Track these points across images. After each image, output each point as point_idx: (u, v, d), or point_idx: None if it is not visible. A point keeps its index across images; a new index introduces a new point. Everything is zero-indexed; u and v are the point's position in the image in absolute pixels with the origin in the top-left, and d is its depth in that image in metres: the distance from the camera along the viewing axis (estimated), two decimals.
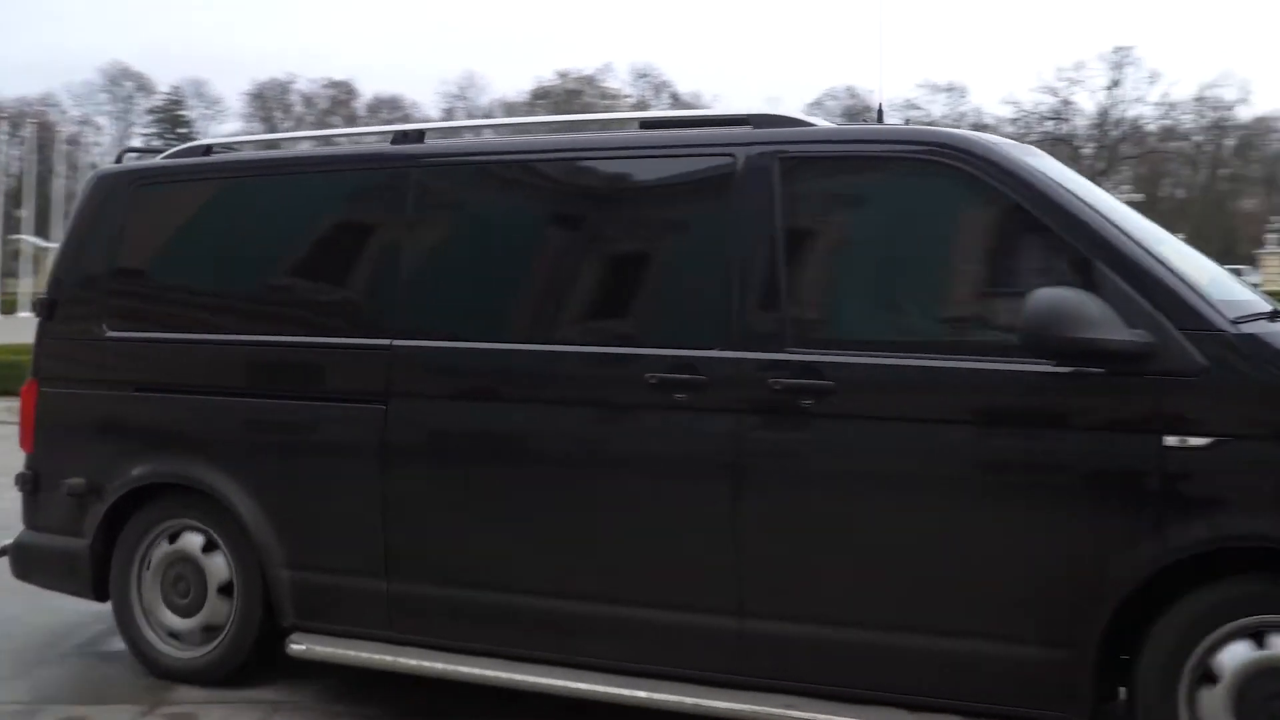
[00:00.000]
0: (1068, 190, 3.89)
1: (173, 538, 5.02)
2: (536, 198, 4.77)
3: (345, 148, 5.93)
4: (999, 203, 3.91)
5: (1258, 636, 3.52)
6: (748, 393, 4.01)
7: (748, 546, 4.01)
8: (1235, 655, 3.52)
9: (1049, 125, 70.67)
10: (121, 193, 5.27)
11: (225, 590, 4.94)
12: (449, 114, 70.65)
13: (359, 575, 4.63)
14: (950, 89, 72.69)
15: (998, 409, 3.82)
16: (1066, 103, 71.48)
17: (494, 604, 4.41)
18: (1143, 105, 71.57)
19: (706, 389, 4.05)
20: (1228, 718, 3.51)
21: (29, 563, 5.30)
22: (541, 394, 4.39)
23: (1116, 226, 3.80)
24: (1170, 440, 3.57)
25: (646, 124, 4.93)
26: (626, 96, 73.55)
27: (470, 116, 63.77)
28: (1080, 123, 72.09)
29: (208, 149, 5.40)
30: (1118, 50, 70.89)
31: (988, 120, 66.08)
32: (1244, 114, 72.43)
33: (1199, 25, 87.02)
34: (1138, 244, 3.76)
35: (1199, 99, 70.69)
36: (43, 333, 5.33)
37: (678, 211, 4.51)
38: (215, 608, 4.94)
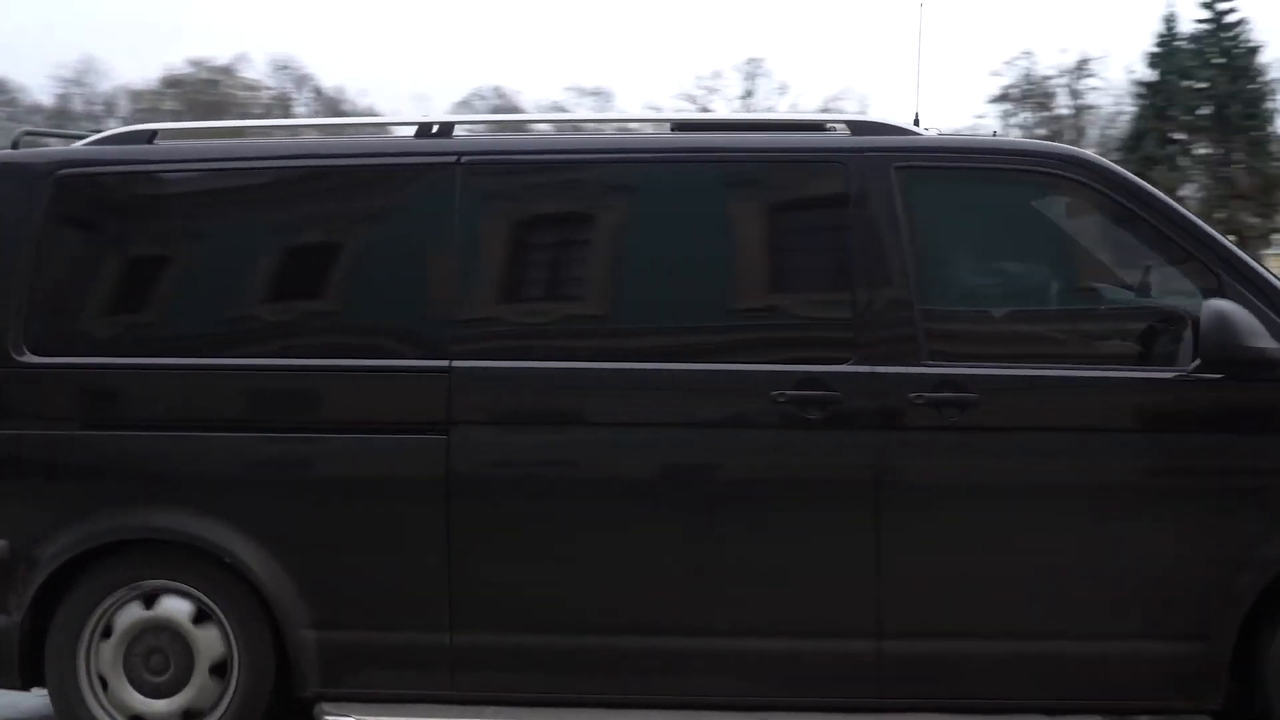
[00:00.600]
0: (1182, 207, 4.14)
1: (148, 601, 4.25)
2: (626, 202, 4.40)
3: (384, 139, 5.10)
4: (1124, 218, 4.09)
5: None
6: (885, 408, 3.95)
7: (887, 564, 3.95)
8: None
9: None
10: (39, 185, 4.35)
11: (218, 665, 4.23)
12: (63, 100, 64.96)
13: (413, 629, 4.17)
14: (597, 93, 75.05)
15: (1144, 415, 4.02)
16: (705, 110, 75.58)
17: (594, 647, 4.08)
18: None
19: (840, 405, 3.95)
20: None
21: None
22: (644, 416, 4.09)
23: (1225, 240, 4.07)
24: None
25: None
26: (267, 88, 70.62)
27: (89, 104, 58.84)
28: None
29: (151, 135, 4.65)
30: (750, 61, 75.79)
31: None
32: None
33: (823, 41, 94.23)
34: (1248, 257, 4.04)
35: (825, 110, 76.85)
36: None
37: (782, 220, 4.38)
38: (204, 685, 4.23)
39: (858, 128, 4.29)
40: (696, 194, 4.33)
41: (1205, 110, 69.42)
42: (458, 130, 4.41)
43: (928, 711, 3.97)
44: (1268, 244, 66.15)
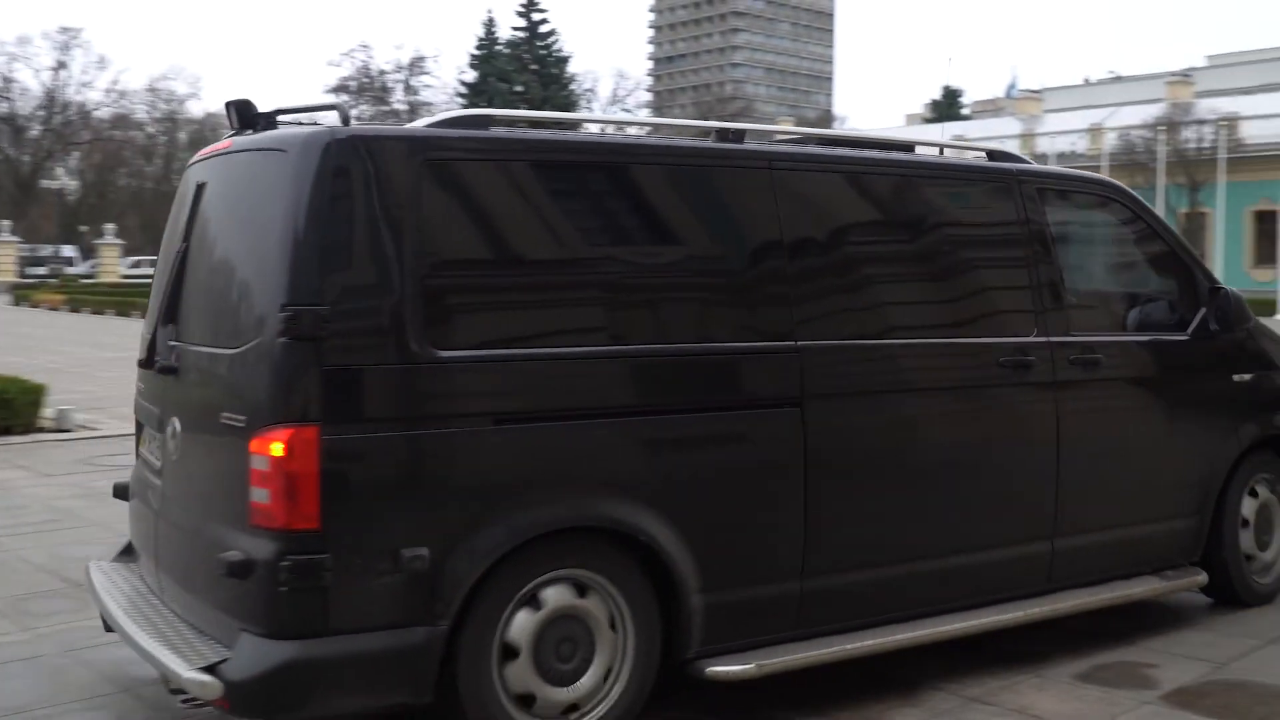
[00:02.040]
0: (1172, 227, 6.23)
1: (540, 594, 4.04)
2: (888, 207, 5.17)
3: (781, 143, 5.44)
4: (1145, 230, 5.94)
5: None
6: (1056, 367, 5.21)
7: (1063, 482, 5.22)
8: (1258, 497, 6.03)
9: None
10: (405, 168, 3.88)
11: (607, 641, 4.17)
12: None
13: (774, 582, 4.48)
14: None
15: (1176, 364, 5.78)
16: (9, 80, 69.13)
17: (895, 576, 4.78)
18: (93, 91, 71.88)
19: (1034, 367, 5.14)
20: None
21: (322, 684, 3.70)
22: (932, 382, 4.97)
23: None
24: (1235, 377, 5.94)
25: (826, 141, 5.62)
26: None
27: None
28: (26, 103, 70.19)
29: (487, 121, 4.26)
30: (65, 30, 70.27)
31: None
32: (195, 109, 76.54)
33: (148, 16, 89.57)
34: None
35: (151, 90, 73.03)
36: (305, 358, 3.67)
37: (981, 227, 5.42)
38: (602, 670, 4.13)
39: (994, 156, 5.68)
40: (938, 209, 5.31)
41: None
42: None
43: (1086, 587, 5.37)
44: None
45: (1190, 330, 5.72)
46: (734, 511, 4.37)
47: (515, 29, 76.14)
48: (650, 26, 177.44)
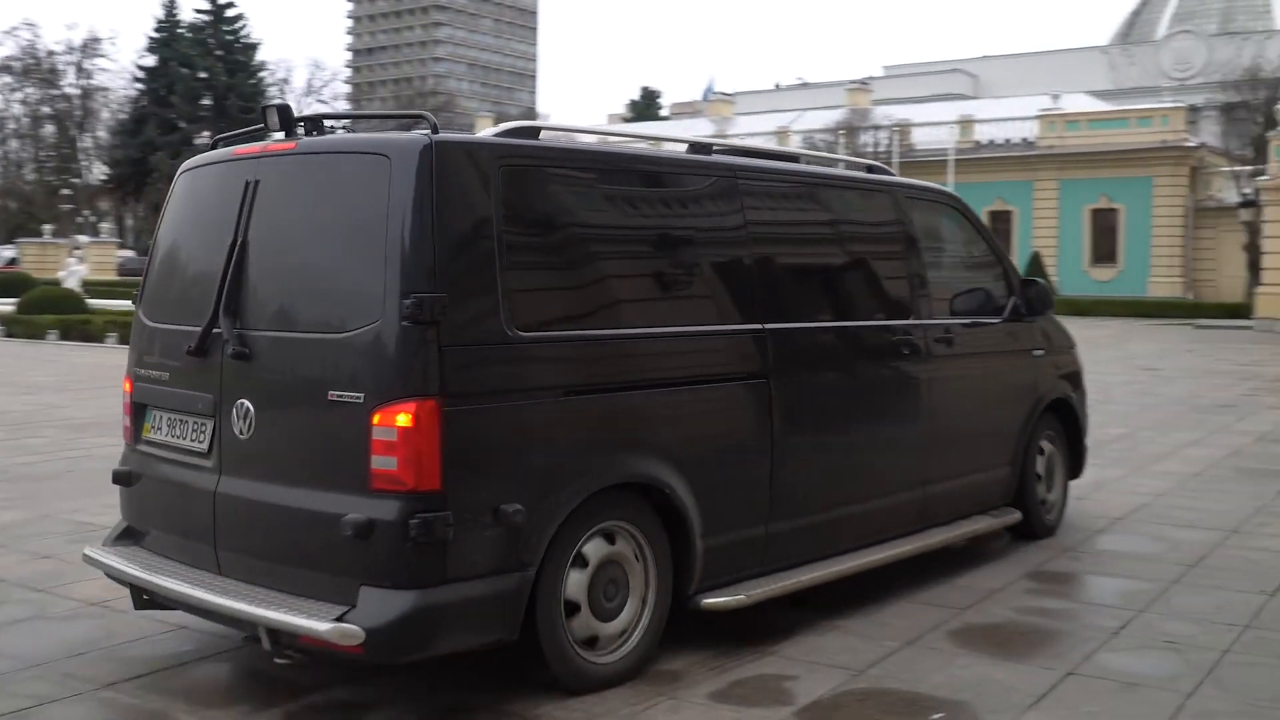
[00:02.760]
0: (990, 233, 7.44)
1: (601, 540, 4.73)
2: (828, 216, 6.27)
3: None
4: (973, 233, 7.20)
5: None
6: (928, 345, 6.37)
7: (932, 439, 6.40)
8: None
9: None
10: (488, 171, 4.45)
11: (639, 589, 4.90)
12: None
13: (748, 526, 5.26)
14: None
15: (999, 343, 7.03)
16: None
17: (830, 519, 5.73)
18: None
19: (916, 346, 6.32)
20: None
21: (438, 627, 4.19)
22: (854, 358, 6.03)
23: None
24: (1034, 353, 7.31)
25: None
26: None
27: None
28: None
29: (536, 132, 4.92)
30: None
31: None
32: None
33: None
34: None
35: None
36: (426, 339, 4.15)
37: (881, 229, 6.43)
38: (636, 603, 4.85)
39: (872, 170, 6.82)
40: (862, 217, 6.42)
41: (206, 100, 71.83)
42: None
43: (946, 523, 6.56)
44: None
45: (1005, 315, 7.09)
46: (725, 467, 5.16)
47: (199, 11, 71.75)
48: (349, 17, 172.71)
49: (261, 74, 72.52)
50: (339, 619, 4.03)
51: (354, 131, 4.84)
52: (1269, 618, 5.65)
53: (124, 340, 18.34)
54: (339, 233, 4.46)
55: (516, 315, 4.38)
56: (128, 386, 5.23)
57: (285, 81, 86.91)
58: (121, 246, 60.04)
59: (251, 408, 4.51)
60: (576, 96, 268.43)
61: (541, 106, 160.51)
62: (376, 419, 4.11)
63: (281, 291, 4.63)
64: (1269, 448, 11.05)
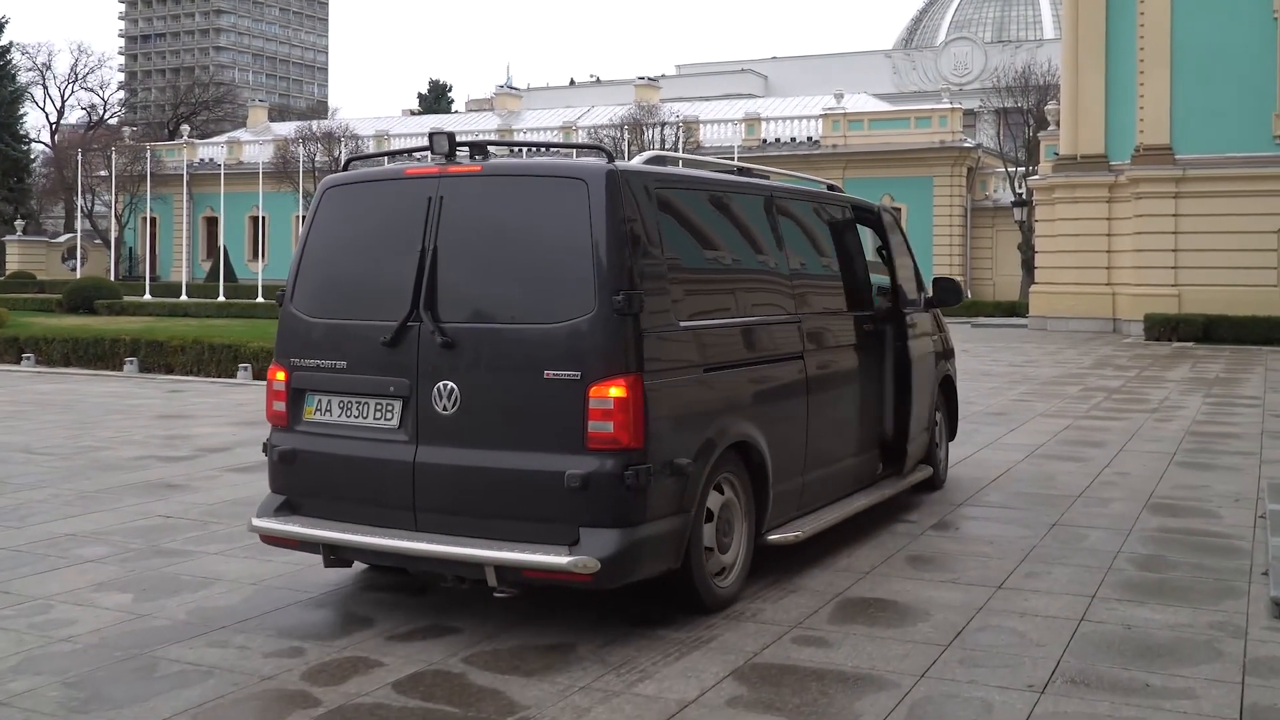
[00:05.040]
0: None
1: (718, 489, 5.79)
2: (818, 227, 7.50)
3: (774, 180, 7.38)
4: (898, 238, 8.34)
5: None
6: (873, 330, 7.66)
7: (882, 404, 7.75)
8: None
9: None
10: (649, 192, 5.58)
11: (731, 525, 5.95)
12: None
13: (794, 476, 6.42)
14: None
15: (878, 334, 7.70)
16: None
17: (831, 473, 6.95)
18: None
19: (872, 331, 7.64)
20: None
21: (640, 558, 5.24)
22: (842, 341, 7.25)
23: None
24: (935, 337, 8.91)
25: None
26: None
27: None
28: None
29: (661, 159, 6.30)
30: None
31: None
32: None
33: None
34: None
35: None
36: (631, 327, 5.27)
37: (841, 235, 7.69)
38: (737, 541, 5.94)
39: (831, 187, 8.23)
40: (832, 227, 7.61)
41: None
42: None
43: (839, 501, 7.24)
44: (12, 229, 64.42)
45: (921, 305, 8.38)
46: (784, 427, 6.31)
47: None
48: (121, 1, 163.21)
49: (9, 56, 66.97)
50: (571, 554, 5.05)
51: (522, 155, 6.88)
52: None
53: None
54: (540, 242, 5.44)
55: (677, 308, 5.56)
56: (282, 375, 5.93)
57: (46, 67, 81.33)
58: None
59: (456, 388, 5.39)
60: (369, 89, 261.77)
61: (332, 100, 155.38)
62: (594, 391, 5.14)
63: (480, 291, 5.56)
64: (1042, 466, 10.04)
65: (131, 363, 17.84)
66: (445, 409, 5.38)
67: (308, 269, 6.00)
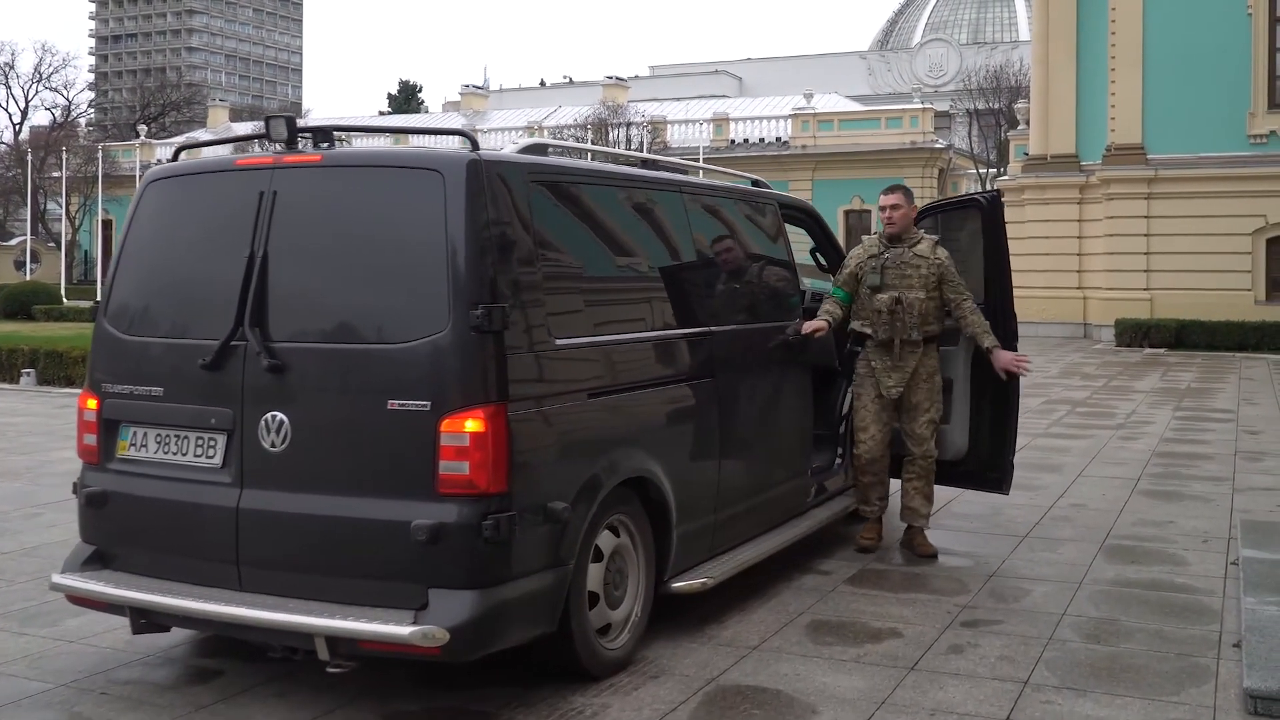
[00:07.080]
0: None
1: (608, 532, 4.93)
2: (745, 227, 6.67)
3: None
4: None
5: None
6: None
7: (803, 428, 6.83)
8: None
9: None
10: (523, 186, 4.68)
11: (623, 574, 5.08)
12: None
13: (703, 515, 5.53)
14: None
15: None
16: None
17: (759, 501, 6.17)
18: None
19: (789, 339, 6.68)
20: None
21: (502, 623, 4.33)
22: (763, 353, 6.34)
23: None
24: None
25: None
26: None
27: None
28: None
29: (546, 149, 5.20)
30: None
31: None
32: None
33: None
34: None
35: None
36: (492, 348, 4.34)
37: (766, 236, 6.83)
38: (633, 591, 5.08)
39: (756, 184, 7.17)
40: (760, 228, 6.77)
41: None
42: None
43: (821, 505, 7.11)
44: None
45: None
46: (689, 459, 5.47)
47: None
48: (91, 1, 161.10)
49: None
50: (416, 622, 4.12)
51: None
52: None
53: None
54: (387, 245, 4.50)
55: (552, 322, 4.63)
56: (92, 403, 4.99)
57: (10, 67, 79.62)
58: None
59: (286, 420, 4.48)
60: (343, 90, 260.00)
61: (306, 101, 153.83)
62: (446, 425, 4.22)
63: (318, 304, 4.61)
64: (987, 497, 8.93)
65: (29, 374, 16.59)
66: (274, 445, 4.46)
67: (124, 277, 5.07)
